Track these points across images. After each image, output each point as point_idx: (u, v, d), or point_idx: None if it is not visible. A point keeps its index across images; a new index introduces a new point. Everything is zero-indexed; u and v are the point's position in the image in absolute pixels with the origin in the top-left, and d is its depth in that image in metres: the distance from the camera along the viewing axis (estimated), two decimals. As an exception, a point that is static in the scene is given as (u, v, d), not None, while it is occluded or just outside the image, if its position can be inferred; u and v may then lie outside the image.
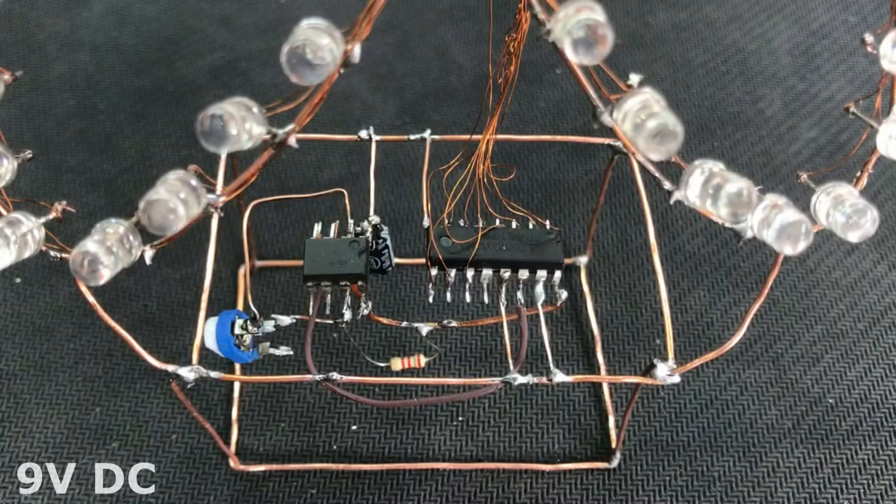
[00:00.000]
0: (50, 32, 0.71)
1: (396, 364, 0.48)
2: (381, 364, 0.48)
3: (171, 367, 0.35)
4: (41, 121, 0.65)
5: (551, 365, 0.38)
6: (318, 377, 0.36)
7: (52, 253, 0.31)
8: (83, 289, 0.32)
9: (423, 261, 0.50)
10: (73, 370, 0.53)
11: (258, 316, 0.40)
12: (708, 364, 0.54)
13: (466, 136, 0.43)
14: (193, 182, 0.26)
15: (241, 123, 0.24)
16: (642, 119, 0.26)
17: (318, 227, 0.42)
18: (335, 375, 0.36)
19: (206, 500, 0.49)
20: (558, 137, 0.60)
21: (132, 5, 0.73)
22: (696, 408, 0.53)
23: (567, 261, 0.58)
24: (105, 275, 0.27)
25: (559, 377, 0.37)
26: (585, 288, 0.58)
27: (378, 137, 0.47)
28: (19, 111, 0.66)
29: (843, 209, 0.32)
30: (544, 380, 0.37)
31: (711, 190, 0.29)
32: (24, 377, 0.53)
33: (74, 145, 0.64)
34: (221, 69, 0.69)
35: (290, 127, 0.28)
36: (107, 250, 0.26)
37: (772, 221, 0.30)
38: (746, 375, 0.54)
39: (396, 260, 0.51)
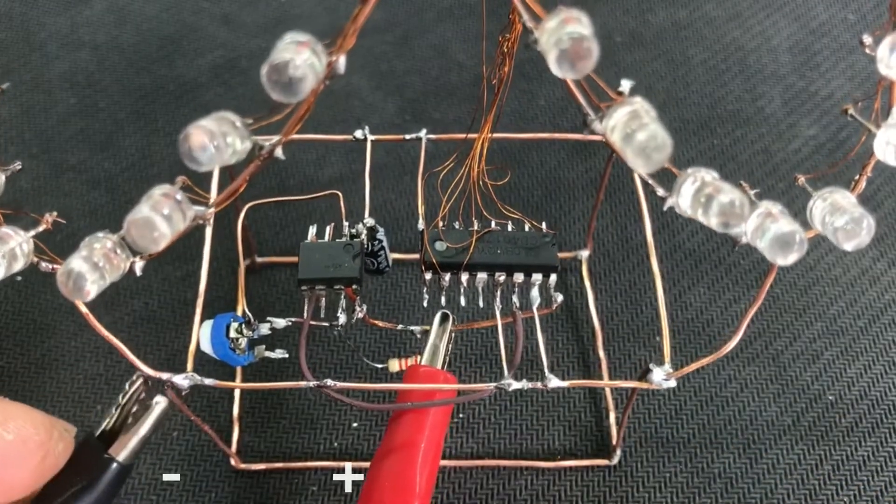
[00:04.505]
0: (50, 31, 0.71)
1: (394, 365, 0.48)
2: (379, 365, 0.48)
3: (165, 375, 0.36)
4: (42, 119, 0.65)
5: (546, 370, 0.38)
6: (312, 383, 0.36)
7: (43, 264, 0.31)
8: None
9: (422, 258, 0.50)
10: (74, 368, 0.53)
11: (252, 319, 0.40)
12: (708, 361, 0.54)
13: (462, 136, 0.43)
14: (179, 196, 0.26)
15: (223, 139, 0.24)
16: (632, 130, 0.26)
17: (312, 230, 0.42)
18: (329, 382, 0.36)
19: (206, 497, 0.49)
20: (558, 135, 0.60)
21: (132, 4, 0.73)
22: (696, 405, 0.53)
23: (568, 255, 0.58)
24: (92, 291, 0.27)
25: (554, 382, 0.37)
26: (587, 282, 0.58)
27: (373, 137, 0.47)
28: (20, 110, 0.66)
29: (840, 217, 0.32)
30: (539, 385, 0.37)
31: (703, 199, 0.28)
32: (25, 375, 0.53)
33: (75, 144, 0.64)
34: (222, 67, 0.69)
35: (276, 139, 0.28)
36: (93, 266, 0.26)
37: (766, 230, 0.30)
38: (746, 373, 0.54)
39: (396, 256, 0.51)
